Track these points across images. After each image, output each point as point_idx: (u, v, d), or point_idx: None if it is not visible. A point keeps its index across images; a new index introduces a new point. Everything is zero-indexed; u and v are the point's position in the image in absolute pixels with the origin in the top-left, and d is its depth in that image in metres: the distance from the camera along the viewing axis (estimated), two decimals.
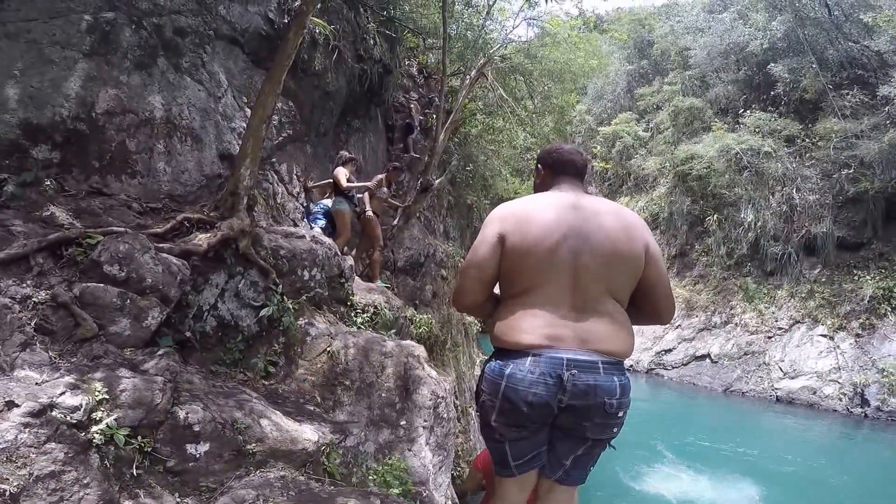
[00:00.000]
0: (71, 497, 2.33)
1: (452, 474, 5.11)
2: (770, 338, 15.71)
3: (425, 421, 4.15)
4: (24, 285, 2.82)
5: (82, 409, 2.44)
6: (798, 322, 15.56)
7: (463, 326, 10.12)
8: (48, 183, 3.82)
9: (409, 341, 4.84)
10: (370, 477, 3.70)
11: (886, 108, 14.63)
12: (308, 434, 3.36)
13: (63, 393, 2.44)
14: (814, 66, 16.89)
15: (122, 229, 3.42)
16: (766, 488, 8.87)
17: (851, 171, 15.32)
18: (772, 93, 18.28)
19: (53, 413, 2.39)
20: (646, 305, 1.92)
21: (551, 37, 12.69)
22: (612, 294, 1.82)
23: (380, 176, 7.04)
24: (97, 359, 2.72)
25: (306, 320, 4.38)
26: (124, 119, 4.47)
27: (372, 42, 8.17)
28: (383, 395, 4.12)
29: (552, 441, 1.90)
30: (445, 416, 4.35)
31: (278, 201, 6.12)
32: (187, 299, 3.61)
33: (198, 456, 2.81)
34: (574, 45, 13.11)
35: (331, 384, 4.02)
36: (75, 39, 4.24)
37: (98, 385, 2.55)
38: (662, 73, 22.99)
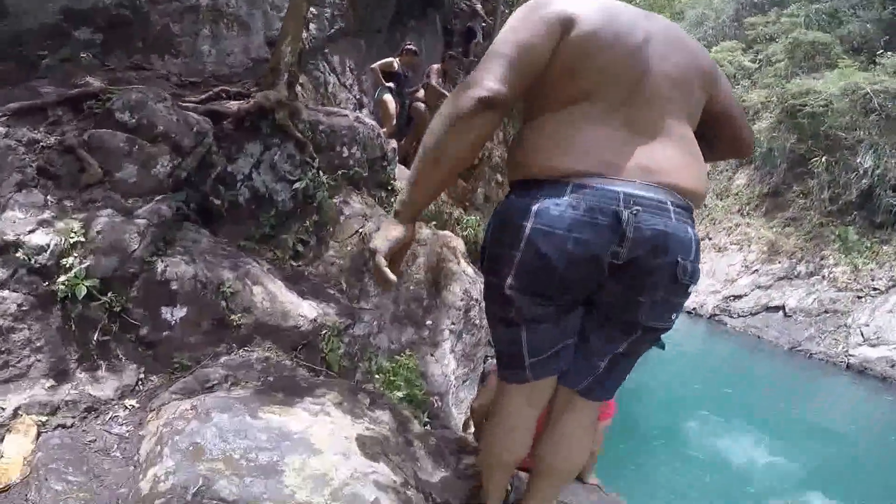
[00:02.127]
0: (17, 363, 2.02)
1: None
2: (860, 297, 13.85)
3: (453, 324, 3.83)
4: (37, 131, 2.82)
5: (49, 251, 2.17)
6: None
7: None
8: (84, 56, 3.89)
9: (446, 232, 4.50)
10: (377, 376, 3.34)
11: None
12: (304, 310, 3.07)
13: (32, 231, 2.18)
14: None
15: (145, 87, 3.38)
16: (826, 460, 8.06)
17: None
18: None
19: (16, 254, 2.11)
20: (723, 133, 1.48)
21: None
22: (686, 114, 1.33)
23: (436, 66, 6.68)
24: (92, 202, 2.66)
25: (342, 199, 4.02)
26: (169, 5, 4.48)
27: None
28: (411, 287, 3.79)
29: (584, 330, 1.34)
30: (477, 321, 4.00)
31: (329, 90, 6.02)
32: (210, 158, 3.41)
33: (173, 323, 2.54)
34: None
35: (358, 270, 3.72)
36: None
37: (75, 225, 2.31)
38: (781, 4, 20.10)
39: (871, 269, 14.22)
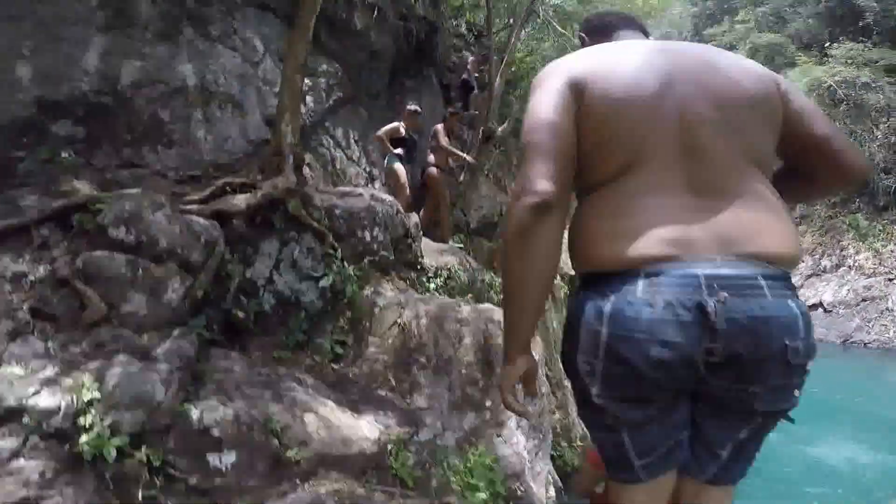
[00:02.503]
0: None
1: (552, 455, 4.33)
2: (891, 280, 13.60)
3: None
4: (21, 261, 2.22)
5: (62, 413, 1.81)
6: None
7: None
8: (65, 156, 3.32)
9: (486, 304, 4.14)
10: (452, 478, 3.00)
11: None
12: (365, 430, 2.74)
13: (37, 392, 1.81)
14: None
15: (138, 190, 2.81)
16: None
17: None
18: (860, 23, 16.56)
19: (23, 420, 1.75)
20: (818, 162, 1.17)
21: None
22: (752, 159, 1.10)
23: (439, 126, 6.23)
24: (100, 346, 2.08)
25: (372, 288, 3.76)
26: (154, 89, 3.96)
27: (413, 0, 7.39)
28: (463, 371, 3.49)
29: (697, 420, 1.14)
30: (539, 390, 3.59)
31: (338, 167, 5.49)
32: (226, 268, 3.02)
33: (224, 469, 2.14)
34: None
35: (405, 363, 3.46)
36: (87, 16, 3.80)
37: (87, 379, 1.90)
38: (731, 12, 21.29)
39: (892, 250, 14.04)
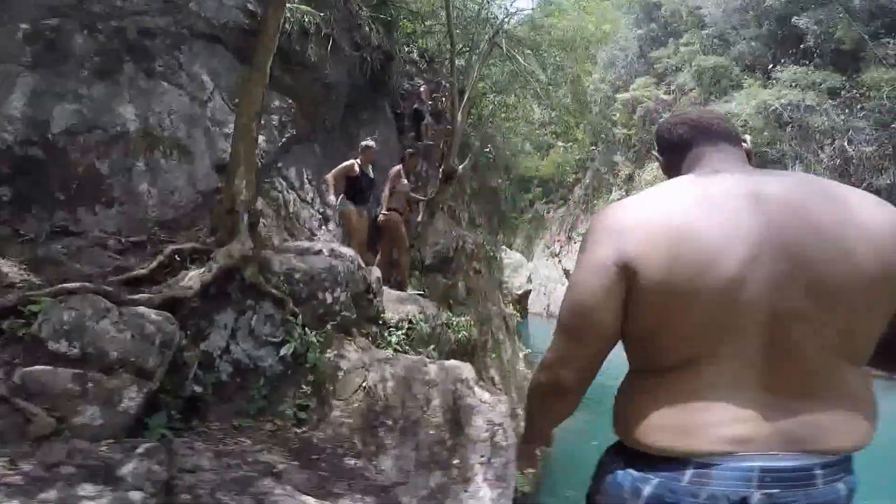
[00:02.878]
0: None
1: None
2: None
3: (482, 455, 3.66)
4: None
5: None
6: None
7: (503, 320, 9.40)
8: None
9: (454, 362, 4.26)
10: None
11: None
12: None
13: None
14: (843, 16, 16.32)
15: (77, 285, 2.73)
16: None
17: None
18: (801, 46, 17.62)
19: None
20: None
21: (556, 4, 12.02)
22: (847, 353, 0.99)
23: (396, 168, 6.25)
24: (54, 467, 1.97)
25: (335, 352, 3.81)
26: (90, 137, 3.80)
27: (367, 29, 7.44)
28: (431, 432, 3.61)
29: None
30: (504, 443, 3.77)
31: (291, 210, 5.42)
32: (183, 358, 3.02)
33: None
34: (582, 9, 12.46)
35: (371, 426, 3.55)
36: (12, 50, 3.61)
37: None
38: (675, 34, 22.30)
39: None
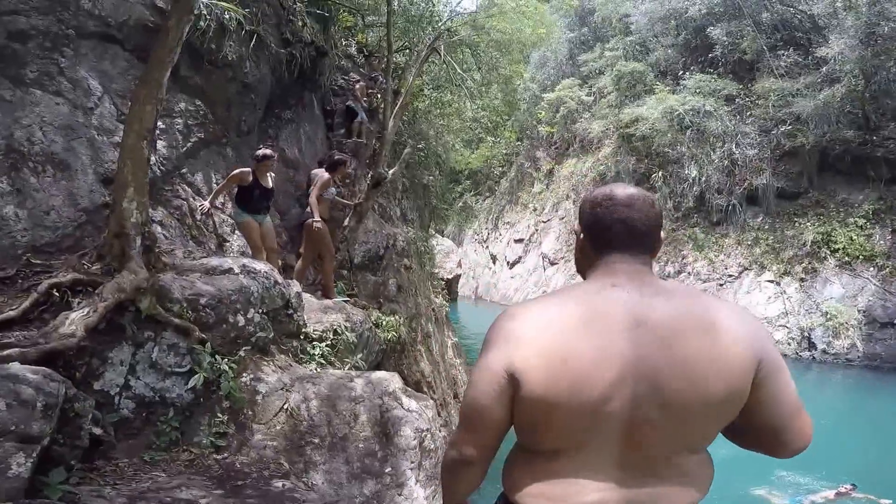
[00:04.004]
0: None
1: None
2: (721, 285, 15.33)
3: (412, 462, 3.57)
4: None
5: None
6: (746, 269, 15.23)
7: (433, 312, 9.07)
8: None
9: (380, 374, 3.96)
10: None
11: (823, 69, 14.43)
12: None
13: None
14: (750, 29, 16.59)
15: None
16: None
17: (788, 126, 15.15)
18: (710, 55, 17.95)
19: None
20: (762, 439, 1.18)
21: (498, 6, 11.46)
22: (687, 446, 1.12)
23: (326, 177, 5.60)
24: None
25: (252, 375, 3.40)
26: None
27: (300, 24, 6.59)
28: (361, 445, 3.40)
29: None
30: (432, 446, 3.71)
31: (197, 218, 4.67)
32: (74, 409, 2.50)
33: None
34: (521, 13, 11.89)
35: (297, 446, 3.26)
36: None
37: None
38: (603, 39, 22.18)
39: (723, 260, 15.76)
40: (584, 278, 1.20)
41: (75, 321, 2.75)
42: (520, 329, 1.10)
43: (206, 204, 4.70)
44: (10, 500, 2.07)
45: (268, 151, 4.93)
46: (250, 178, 4.70)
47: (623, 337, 1.06)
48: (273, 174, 5.02)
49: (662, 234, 1.22)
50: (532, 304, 1.15)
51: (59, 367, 2.58)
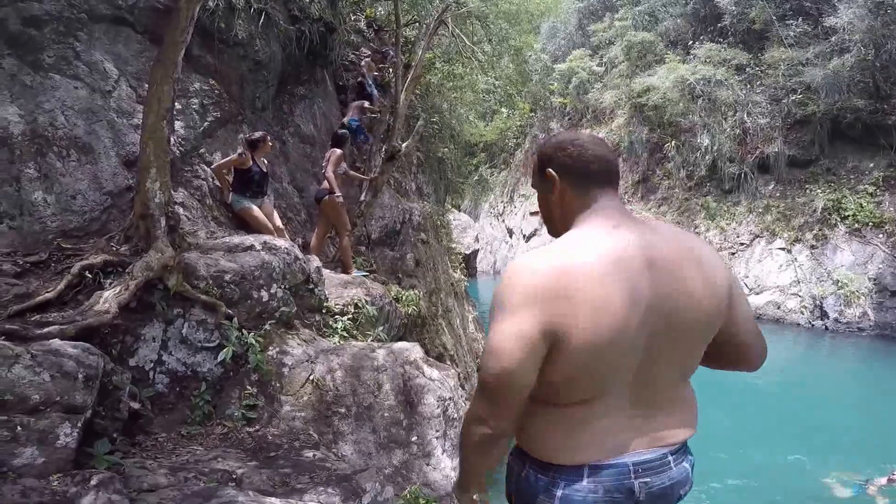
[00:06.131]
0: None
1: None
2: (734, 254, 15.06)
3: (437, 430, 3.62)
4: None
5: None
6: (758, 237, 14.92)
7: (452, 287, 9.05)
8: None
9: (402, 344, 3.98)
10: None
11: (832, 38, 13.88)
12: None
13: None
14: None
15: None
16: (741, 409, 8.19)
17: (799, 95, 14.73)
18: (719, 24, 17.30)
19: None
20: (729, 352, 1.30)
21: None
22: (685, 374, 1.24)
23: (338, 152, 5.53)
24: None
25: (277, 348, 3.44)
26: None
27: (308, 0, 6.40)
28: (386, 414, 3.45)
29: None
30: (456, 415, 3.81)
31: (217, 198, 4.66)
32: (112, 382, 2.60)
33: None
34: None
35: (324, 416, 3.31)
36: None
37: None
38: (612, 9, 21.41)
39: (734, 228, 15.44)
40: (565, 230, 1.18)
41: (108, 299, 2.82)
42: (550, 283, 1.05)
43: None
44: (60, 471, 2.13)
45: (265, 133, 4.76)
46: (250, 162, 4.53)
47: (643, 277, 1.09)
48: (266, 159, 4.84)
49: None
50: (549, 256, 1.09)
51: (95, 344, 2.64)
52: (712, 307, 1.16)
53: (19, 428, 2.14)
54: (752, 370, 1.34)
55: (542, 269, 1.07)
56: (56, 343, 2.42)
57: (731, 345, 1.26)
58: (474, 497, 1.34)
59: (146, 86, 3.90)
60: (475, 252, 20.58)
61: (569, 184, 1.18)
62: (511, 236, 23.43)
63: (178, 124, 4.31)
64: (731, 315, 1.21)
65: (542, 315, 1.04)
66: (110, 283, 2.99)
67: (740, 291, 1.24)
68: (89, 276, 2.97)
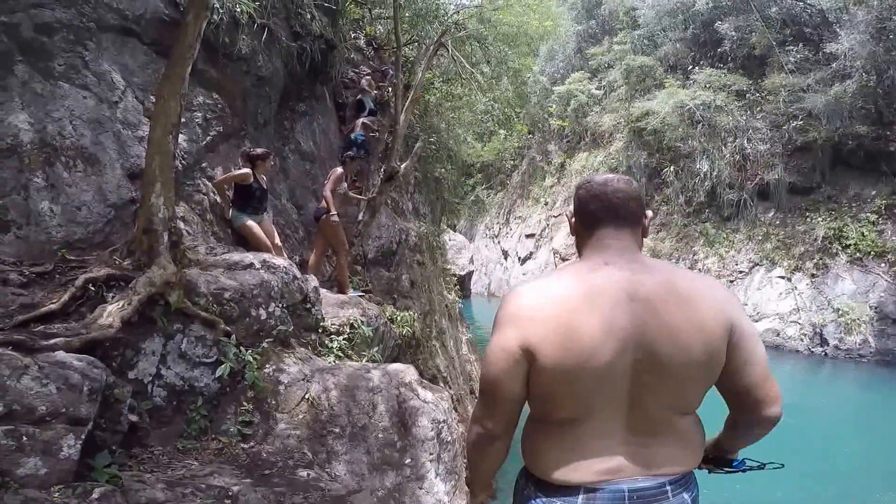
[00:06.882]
0: None
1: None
2: (732, 281, 15.28)
3: (431, 453, 3.67)
4: None
5: None
6: (757, 265, 15.17)
7: (446, 308, 9.16)
8: None
9: (396, 366, 4.06)
10: None
11: (833, 64, 14.33)
12: None
13: None
14: (759, 23, 16.53)
15: None
16: None
17: (800, 121, 15.08)
18: (718, 50, 17.86)
19: None
20: (736, 394, 1.33)
21: None
22: (680, 409, 1.32)
23: (339, 171, 5.70)
24: None
25: (274, 366, 3.54)
26: None
27: (309, 17, 6.65)
28: (380, 435, 3.52)
29: None
30: (449, 438, 3.82)
31: (218, 213, 4.78)
32: (113, 395, 2.69)
33: None
34: (527, 6, 11.97)
35: (319, 435, 3.39)
36: None
37: None
38: (611, 33, 22.12)
39: (733, 255, 15.72)
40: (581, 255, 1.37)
41: (112, 313, 2.91)
42: (530, 307, 1.25)
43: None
44: (62, 482, 2.18)
45: (268, 150, 4.94)
46: (251, 179, 4.68)
47: (621, 310, 1.21)
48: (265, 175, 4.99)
49: (649, 212, 1.39)
50: (537, 284, 1.30)
51: (97, 356, 2.71)
52: (702, 349, 1.21)
53: (24, 438, 2.20)
54: (759, 421, 1.33)
55: (526, 296, 1.28)
56: (62, 355, 2.50)
57: (731, 392, 1.31)
58: (482, 502, 1.49)
59: (151, 98, 4.07)
60: (470, 273, 20.72)
61: (578, 221, 1.39)
62: (506, 258, 23.64)
63: (181, 138, 4.42)
64: (733, 357, 1.25)
65: (521, 332, 1.23)
66: (113, 297, 3.08)
67: (749, 335, 1.26)
68: (93, 288, 3.05)
